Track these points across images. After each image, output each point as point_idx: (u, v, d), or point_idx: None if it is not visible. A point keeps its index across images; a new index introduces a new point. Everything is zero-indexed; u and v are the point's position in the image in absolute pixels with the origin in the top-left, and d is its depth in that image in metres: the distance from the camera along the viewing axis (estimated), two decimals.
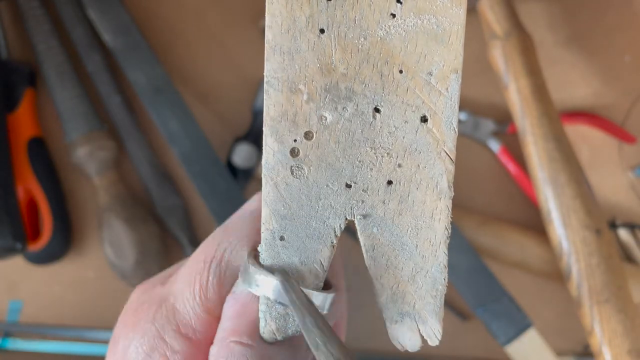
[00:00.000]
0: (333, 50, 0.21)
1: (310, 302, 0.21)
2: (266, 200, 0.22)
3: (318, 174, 0.22)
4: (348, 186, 0.22)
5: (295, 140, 0.22)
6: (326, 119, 0.22)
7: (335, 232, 0.23)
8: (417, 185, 0.22)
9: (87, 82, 0.53)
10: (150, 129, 0.54)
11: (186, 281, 0.24)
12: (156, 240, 0.50)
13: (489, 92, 0.55)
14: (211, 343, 0.23)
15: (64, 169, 0.53)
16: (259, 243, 0.23)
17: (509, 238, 0.51)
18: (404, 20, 0.21)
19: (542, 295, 0.53)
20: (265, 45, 0.21)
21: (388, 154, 0.22)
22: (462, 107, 0.55)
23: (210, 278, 0.24)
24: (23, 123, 0.52)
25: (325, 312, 0.23)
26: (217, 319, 0.24)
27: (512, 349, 0.47)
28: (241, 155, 0.52)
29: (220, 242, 0.25)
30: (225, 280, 0.24)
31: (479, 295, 0.48)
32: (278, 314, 0.23)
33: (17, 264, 0.52)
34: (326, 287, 0.24)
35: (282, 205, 0.22)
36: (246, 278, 0.23)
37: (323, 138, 0.22)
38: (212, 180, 0.49)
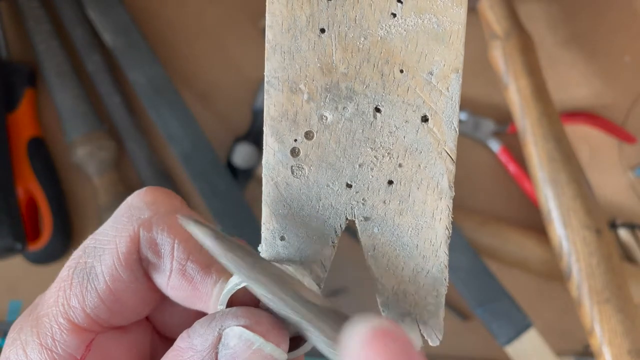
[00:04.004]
0: (333, 50, 0.21)
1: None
2: (266, 200, 0.22)
3: (318, 174, 0.22)
4: (349, 186, 0.22)
5: (295, 140, 0.22)
6: (327, 119, 0.22)
7: (335, 232, 0.22)
8: (418, 185, 0.22)
9: (87, 82, 0.53)
10: (150, 129, 0.54)
11: (53, 289, 0.23)
12: None
13: (489, 92, 0.55)
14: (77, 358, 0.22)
15: (64, 169, 0.53)
16: (135, 233, 0.22)
17: (509, 238, 0.51)
18: (405, 20, 0.21)
19: (542, 295, 0.53)
20: (266, 44, 0.21)
21: (389, 153, 0.22)
22: (462, 107, 0.55)
23: (74, 285, 0.23)
24: (23, 123, 0.52)
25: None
26: (82, 330, 0.22)
27: (512, 349, 0.47)
28: (241, 155, 0.52)
29: (86, 246, 0.24)
30: (89, 286, 0.23)
31: (479, 295, 0.48)
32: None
33: (17, 264, 0.52)
34: None
35: (282, 205, 0.22)
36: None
37: (323, 138, 0.22)
38: (212, 180, 0.49)
